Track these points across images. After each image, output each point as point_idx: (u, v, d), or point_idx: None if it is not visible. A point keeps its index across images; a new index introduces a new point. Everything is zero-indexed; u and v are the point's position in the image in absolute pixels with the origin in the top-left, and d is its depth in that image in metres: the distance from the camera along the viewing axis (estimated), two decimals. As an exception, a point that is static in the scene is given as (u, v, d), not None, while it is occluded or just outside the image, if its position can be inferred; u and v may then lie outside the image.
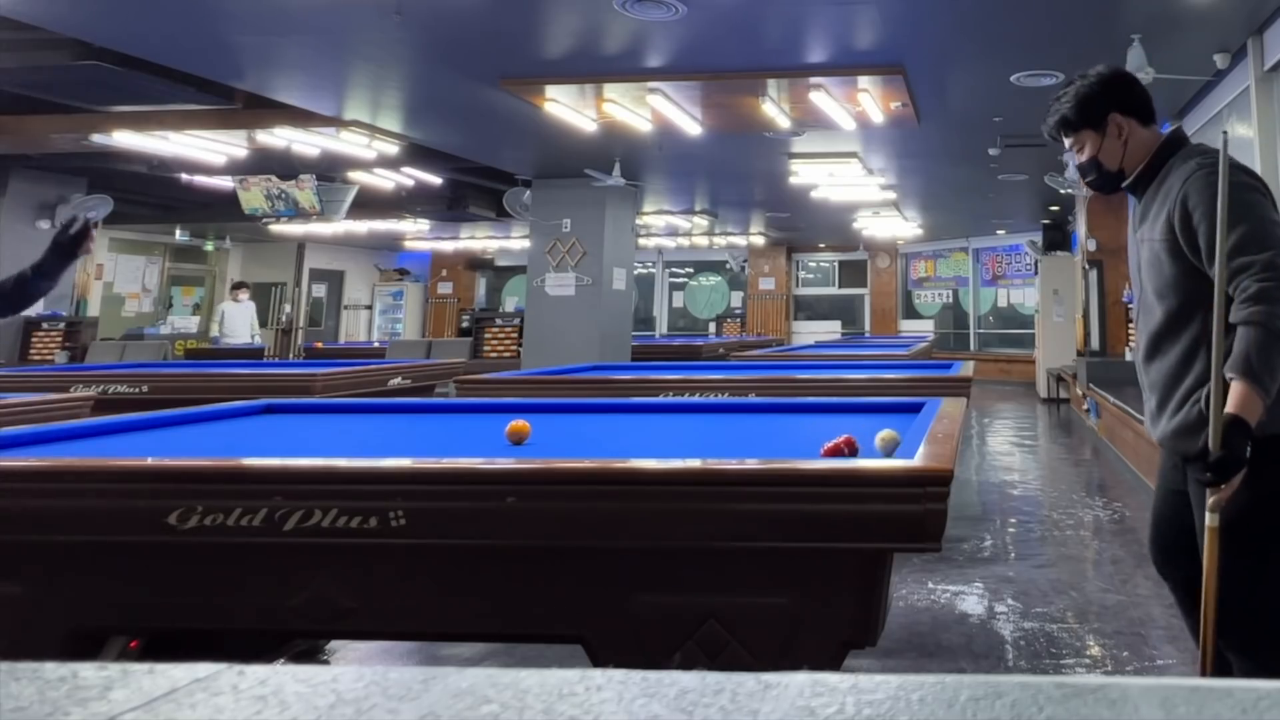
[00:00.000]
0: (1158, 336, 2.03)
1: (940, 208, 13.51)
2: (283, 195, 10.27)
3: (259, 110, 7.36)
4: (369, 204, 11.59)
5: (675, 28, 5.44)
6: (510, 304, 17.63)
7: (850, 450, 2.02)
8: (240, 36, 5.58)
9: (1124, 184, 2.16)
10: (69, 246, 2.98)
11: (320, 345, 13.94)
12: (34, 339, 10.80)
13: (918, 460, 1.82)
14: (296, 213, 10.37)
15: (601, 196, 10.13)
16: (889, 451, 2.03)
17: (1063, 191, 9.50)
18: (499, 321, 12.19)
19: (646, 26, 5.41)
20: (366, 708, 0.51)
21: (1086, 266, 11.01)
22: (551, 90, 6.66)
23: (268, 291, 16.13)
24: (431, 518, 1.79)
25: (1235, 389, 1.76)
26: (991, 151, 8.62)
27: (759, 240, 17.17)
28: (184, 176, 10.37)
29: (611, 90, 6.66)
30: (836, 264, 19.08)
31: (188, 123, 7.74)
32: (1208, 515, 1.81)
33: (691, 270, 19.50)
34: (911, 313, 18.44)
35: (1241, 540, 1.84)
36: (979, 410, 10.71)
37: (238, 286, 11.90)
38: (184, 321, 14.06)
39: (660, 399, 3.91)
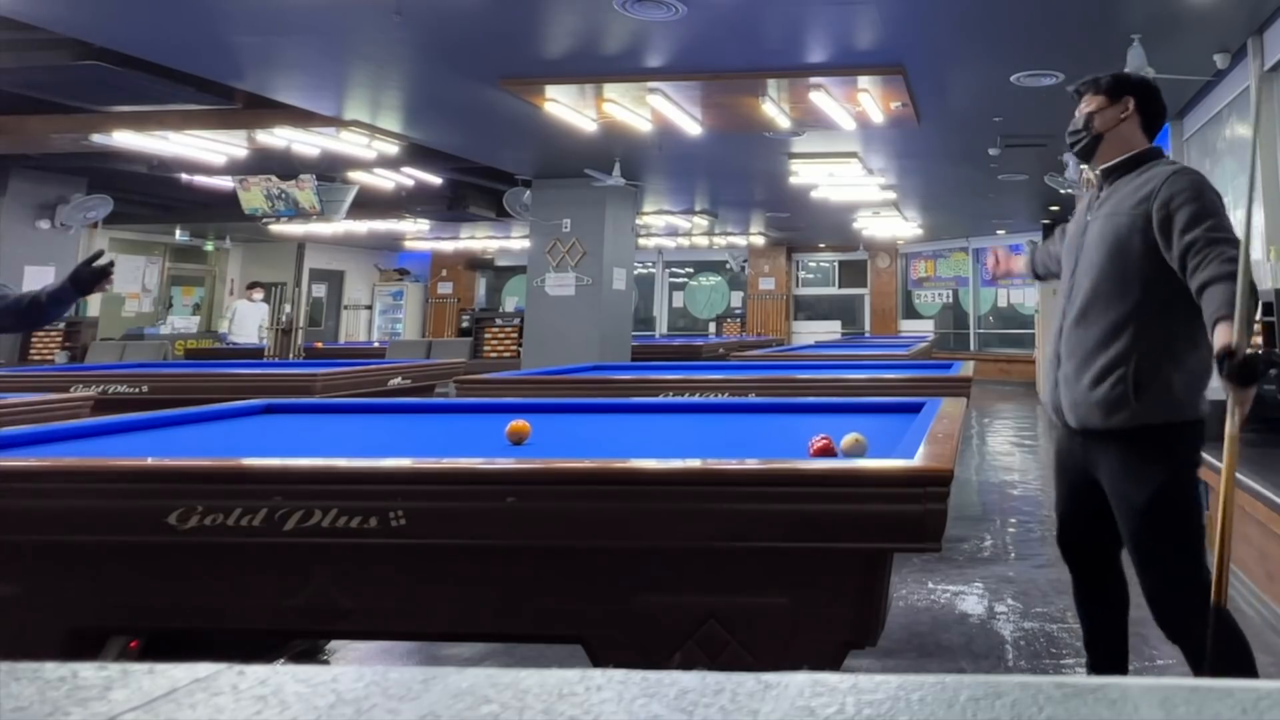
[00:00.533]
0: (1090, 305, 2.22)
1: (940, 208, 13.50)
2: (283, 195, 10.27)
3: (259, 110, 7.35)
4: (369, 204, 11.58)
5: (675, 28, 5.43)
6: (510, 304, 17.66)
7: (832, 452, 2.05)
8: (240, 36, 5.58)
9: (1104, 166, 2.37)
10: (88, 282, 3.02)
11: (320, 345, 13.92)
12: (34, 339, 10.80)
13: (918, 460, 1.82)
14: (296, 213, 10.37)
15: (601, 196, 10.13)
16: (858, 455, 2.04)
17: (1063, 191, 9.50)
18: (499, 321, 12.20)
19: (646, 26, 5.41)
20: (366, 708, 0.51)
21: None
22: (551, 90, 6.66)
23: (268, 292, 16.13)
24: (431, 518, 1.79)
25: (1223, 327, 1.94)
26: (991, 151, 8.62)
27: (759, 240, 17.17)
28: (184, 176, 10.37)
29: (611, 90, 6.66)
30: (836, 264, 19.08)
31: (188, 123, 7.74)
32: (1228, 423, 1.94)
33: (691, 270, 19.50)
34: (911, 313, 18.44)
35: (1163, 517, 2.10)
36: (979, 410, 10.71)
37: (252, 286, 12.02)
38: (184, 321, 14.08)
39: (660, 399, 3.91)
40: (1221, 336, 1.92)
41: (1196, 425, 2.17)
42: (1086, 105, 2.38)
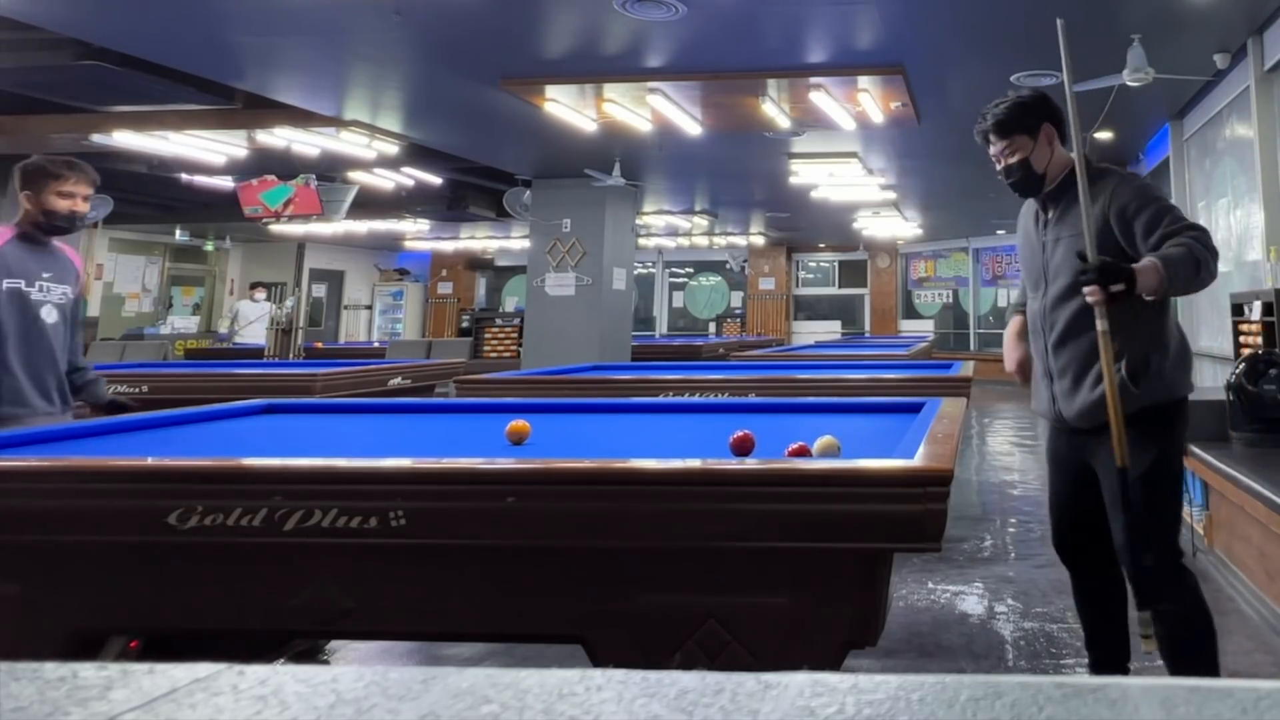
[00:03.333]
0: (1071, 323, 2.33)
1: (940, 208, 13.50)
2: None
3: (259, 110, 7.36)
4: (369, 204, 11.59)
5: (675, 28, 5.44)
6: (510, 304, 17.66)
7: (751, 446, 2.09)
8: (240, 36, 5.58)
9: (1046, 189, 2.44)
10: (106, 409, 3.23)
11: (320, 345, 13.93)
12: (34, 339, 10.77)
13: (918, 460, 1.81)
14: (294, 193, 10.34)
15: (601, 196, 10.13)
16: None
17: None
18: (499, 321, 12.23)
19: (646, 26, 5.41)
20: (366, 708, 0.51)
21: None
22: (551, 90, 6.66)
23: (269, 292, 16.14)
24: (431, 518, 1.79)
25: (1148, 262, 2.12)
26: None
27: (759, 240, 17.17)
28: (184, 176, 10.37)
29: (611, 90, 6.67)
30: (836, 264, 19.08)
31: (188, 123, 7.74)
32: (1099, 323, 2.15)
33: (691, 270, 19.50)
34: (911, 313, 18.44)
35: (1155, 484, 2.25)
36: (979, 410, 10.71)
37: (255, 286, 12.10)
38: (184, 321, 14.08)
39: (660, 399, 3.91)
40: (1142, 269, 2.10)
41: (1185, 403, 2.36)
42: (1011, 153, 2.47)
